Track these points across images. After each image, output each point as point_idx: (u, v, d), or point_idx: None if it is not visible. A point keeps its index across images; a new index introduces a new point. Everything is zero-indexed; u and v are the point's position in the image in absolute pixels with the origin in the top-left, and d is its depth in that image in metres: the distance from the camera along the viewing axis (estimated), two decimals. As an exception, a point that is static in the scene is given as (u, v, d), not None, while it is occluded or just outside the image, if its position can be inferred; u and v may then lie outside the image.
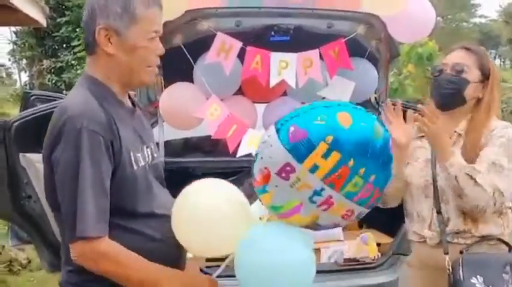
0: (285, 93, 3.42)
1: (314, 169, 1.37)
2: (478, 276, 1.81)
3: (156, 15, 1.52)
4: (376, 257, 3.02)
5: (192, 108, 3.05)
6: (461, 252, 1.87)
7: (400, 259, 2.92)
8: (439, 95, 1.96)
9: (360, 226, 3.55)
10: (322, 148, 1.36)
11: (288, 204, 1.45)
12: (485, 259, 1.86)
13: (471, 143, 1.90)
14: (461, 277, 1.81)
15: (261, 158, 1.43)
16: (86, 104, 1.44)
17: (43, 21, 7.16)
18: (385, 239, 3.23)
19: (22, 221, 3.88)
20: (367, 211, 1.51)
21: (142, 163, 1.54)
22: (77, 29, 13.08)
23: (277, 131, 1.41)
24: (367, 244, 3.05)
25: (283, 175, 1.40)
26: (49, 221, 3.75)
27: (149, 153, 1.60)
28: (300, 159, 1.37)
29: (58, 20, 12.89)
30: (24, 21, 7.15)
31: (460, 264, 1.83)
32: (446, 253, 1.88)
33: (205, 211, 1.47)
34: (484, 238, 1.89)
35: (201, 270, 2.21)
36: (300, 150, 1.37)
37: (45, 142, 1.46)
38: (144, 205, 1.51)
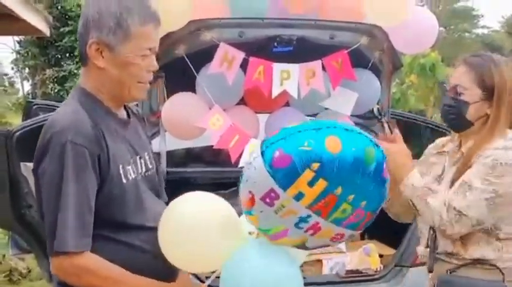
0: (287, 104, 3.41)
1: (299, 196, 1.33)
2: None
3: (151, 32, 1.49)
4: (379, 268, 2.99)
5: (195, 118, 3.04)
6: (449, 272, 1.83)
7: (403, 271, 2.90)
8: (445, 120, 1.95)
9: (362, 237, 3.53)
10: (307, 175, 1.30)
11: (275, 228, 1.41)
12: (459, 282, 1.81)
13: (466, 161, 1.83)
14: None
15: (246, 180, 1.39)
16: (74, 117, 1.43)
17: (46, 31, 7.20)
18: (388, 251, 3.20)
19: (22, 230, 3.87)
20: (359, 232, 1.48)
21: (133, 176, 1.51)
22: (80, 39, 13.15)
23: (262, 153, 1.36)
24: (369, 256, 3.03)
25: (268, 200, 1.35)
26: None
27: (143, 164, 1.58)
28: (284, 186, 1.32)
29: (61, 29, 12.94)
30: (28, 31, 7.20)
31: (438, 285, 1.83)
32: (430, 271, 1.88)
33: (191, 221, 1.44)
34: (477, 261, 1.81)
35: (198, 278, 2.18)
36: (284, 177, 1.32)
37: (35, 155, 1.46)
38: (134, 218, 1.50)
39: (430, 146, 2.09)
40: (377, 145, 1.40)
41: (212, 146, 3.10)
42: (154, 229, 1.48)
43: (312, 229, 1.38)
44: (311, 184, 1.31)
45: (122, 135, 1.52)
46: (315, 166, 1.30)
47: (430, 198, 1.79)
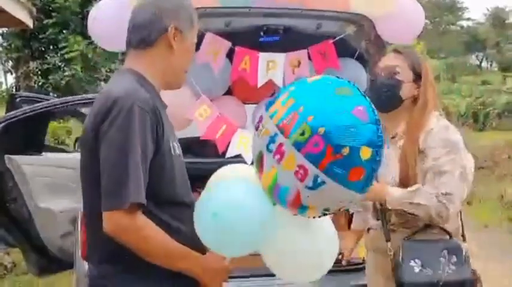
0: (274, 94, 3.41)
1: (273, 114, 1.45)
2: (416, 259, 1.98)
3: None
4: (363, 258, 3.00)
5: (182, 110, 3.02)
6: (404, 239, 2.02)
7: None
8: (377, 98, 2.02)
9: (349, 227, 3.54)
10: (284, 95, 1.47)
11: (257, 158, 1.50)
12: (424, 244, 2.02)
13: (409, 140, 2.02)
14: (401, 260, 1.98)
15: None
16: (134, 87, 1.52)
17: (30, 23, 7.10)
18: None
19: (7, 224, 3.83)
20: (327, 178, 1.39)
21: (178, 152, 1.62)
22: (64, 31, 12.98)
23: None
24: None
25: (257, 124, 1.51)
26: (35, 224, 3.72)
27: (178, 146, 1.66)
28: (267, 107, 1.50)
29: (45, 21, 12.78)
30: (11, 23, 7.08)
31: (401, 249, 1.99)
32: (388, 240, 2.04)
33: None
34: (427, 227, 2.02)
35: None
36: (271, 101, 1.51)
37: (89, 125, 1.51)
38: (180, 194, 1.59)
39: None
40: (352, 85, 1.48)
41: (199, 137, 3.09)
42: (191, 208, 1.55)
43: (277, 152, 1.42)
44: (283, 102, 1.45)
45: (166, 117, 1.62)
46: (291, 88, 1.49)
47: (416, 199, 1.96)
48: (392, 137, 2.10)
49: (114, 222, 1.42)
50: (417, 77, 2.08)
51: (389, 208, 2.00)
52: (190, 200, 1.61)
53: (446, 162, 1.97)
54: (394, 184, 2.03)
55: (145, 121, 1.46)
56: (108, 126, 1.45)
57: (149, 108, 1.48)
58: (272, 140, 1.43)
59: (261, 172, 1.51)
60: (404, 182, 2.01)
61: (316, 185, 1.40)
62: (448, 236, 2.05)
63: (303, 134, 1.38)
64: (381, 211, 2.07)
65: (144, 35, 1.63)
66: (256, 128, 1.51)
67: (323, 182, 1.40)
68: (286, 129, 1.40)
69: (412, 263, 1.97)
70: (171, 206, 1.55)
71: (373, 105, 1.46)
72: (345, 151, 1.38)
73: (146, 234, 1.45)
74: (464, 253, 2.01)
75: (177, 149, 1.62)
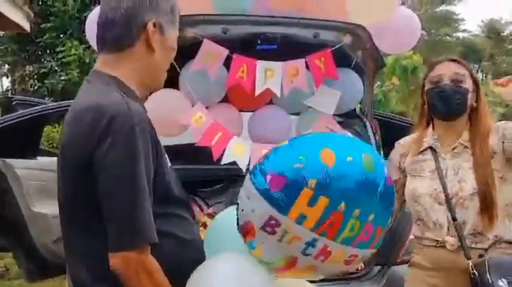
0: (270, 102, 3.41)
1: (301, 219, 1.22)
2: (502, 278, 1.86)
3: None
4: (360, 267, 3.00)
5: (177, 116, 3.02)
6: (480, 256, 1.93)
7: (384, 269, 2.92)
8: (446, 107, 2.03)
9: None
10: (306, 194, 1.21)
11: (281, 259, 1.30)
12: (508, 261, 1.92)
13: (481, 149, 1.98)
14: (489, 280, 1.85)
15: (242, 211, 1.31)
16: (126, 102, 1.34)
17: (27, 27, 7.10)
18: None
19: (0, 229, 3.80)
20: (373, 251, 1.35)
21: (170, 165, 1.49)
22: (62, 35, 12.96)
23: (252, 179, 1.28)
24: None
25: (269, 229, 1.24)
26: (29, 229, 3.69)
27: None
28: (284, 210, 1.22)
29: (42, 25, 12.76)
30: (8, 26, 7.08)
31: (487, 268, 1.89)
32: (469, 258, 1.93)
33: None
34: (496, 242, 1.95)
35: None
36: (282, 200, 1.22)
37: (77, 147, 1.34)
38: (178, 206, 1.48)
39: (398, 149, 2.20)
40: (372, 149, 1.35)
41: (194, 143, 3.09)
42: (191, 221, 1.49)
43: (321, 254, 1.26)
44: (311, 203, 1.21)
45: None
46: (312, 183, 1.20)
47: None
48: (453, 149, 2.04)
49: (125, 260, 1.29)
50: (476, 86, 2.06)
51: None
52: (191, 216, 1.52)
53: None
54: (475, 195, 1.95)
55: (147, 143, 1.32)
56: (106, 152, 1.28)
57: (148, 127, 1.35)
58: (310, 245, 1.25)
59: (284, 269, 1.33)
60: (485, 190, 1.94)
61: (359, 261, 1.37)
62: None
63: (352, 230, 1.25)
64: (456, 227, 1.96)
65: (119, 33, 1.42)
66: (268, 232, 1.26)
67: (366, 256, 1.37)
68: (330, 231, 1.24)
69: (500, 283, 1.85)
70: (170, 219, 1.44)
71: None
72: (390, 222, 1.36)
73: (153, 276, 1.32)
74: None
75: (169, 162, 1.50)
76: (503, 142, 1.98)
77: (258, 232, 1.27)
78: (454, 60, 2.08)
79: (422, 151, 2.10)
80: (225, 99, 3.34)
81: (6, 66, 14.96)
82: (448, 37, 34.25)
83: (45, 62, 13.28)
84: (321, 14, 2.98)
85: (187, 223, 1.49)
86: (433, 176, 2.03)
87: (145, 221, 1.29)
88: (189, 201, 1.56)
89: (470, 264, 1.92)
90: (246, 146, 3.04)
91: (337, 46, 2.99)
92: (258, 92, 2.94)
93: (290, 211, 1.22)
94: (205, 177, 3.54)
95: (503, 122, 2.02)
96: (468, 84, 2.03)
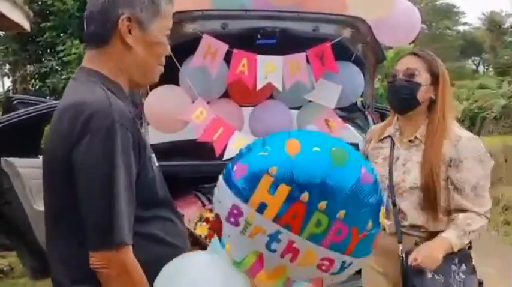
0: (271, 97, 3.41)
1: (262, 207, 1.18)
2: None
3: (171, 12, 1.45)
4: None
5: (178, 111, 3.02)
6: (416, 244, 2.00)
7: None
8: (396, 100, 2.13)
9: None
10: (266, 181, 1.17)
11: (248, 258, 1.24)
12: None
13: (433, 147, 2.03)
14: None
15: (214, 204, 1.30)
16: (108, 98, 1.30)
17: (27, 26, 7.09)
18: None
19: (3, 227, 3.81)
20: (355, 259, 1.26)
21: (157, 164, 1.46)
22: (62, 34, 12.94)
23: (223, 173, 1.27)
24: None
25: (232, 219, 1.22)
26: (32, 227, 3.70)
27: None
28: (245, 198, 1.19)
29: (42, 25, 12.75)
30: (8, 26, 7.07)
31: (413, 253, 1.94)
32: (400, 242, 2.02)
33: None
34: (438, 232, 2.00)
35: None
36: (243, 188, 1.19)
37: (57, 144, 1.32)
38: (163, 208, 1.45)
39: (366, 136, 2.35)
40: (348, 146, 1.26)
41: (196, 139, 3.09)
42: (173, 221, 1.46)
43: (287, 250, 1.20)
44: (271, 190, 1.17)
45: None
46: (273, 169, 1.17)
47: (472, 226, 1.96)
48: (410, 141, 2.11)
49: (106, 260, 1.28)
50: (434, 80, 2.09)
51: (456, 250, 1.94)
52: (175, 215, 1.49)
53: (483, 177, 2.00)
54: (415, 189, 2.03)
55: (128, 141, 1.28)
56: (84, 151, 1.25)
57: (129, 124, 1.29)
58: (273, 239, 1.20)
59: (254, 271, 1.26)
60: (426, 188, 2.01)
61: (342, 269, 1.27)
62: None
63: (318, 225, 1.18)
64: (394, 213, 2.06)
65: (97, 28, 1.37)
66: (232, 223, 1.22)
67: (350, 263, 1.27)
68: (293, 224, 1.18)
69: (427, 271, 1.92)
70: (153, 221, 1.41)
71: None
72: (369, 225, 1.24)
73: (131, 272, 1.30)
74: (473, 262, 2.00)
75: (156, 161, 1.46)
76: (449, 159, 2.01)
77: (224, 224, 1.25)
78: (415, 54, 2.13)
79: (382, 139, 2.20)
80: (225, 95, 3.34)
81: (7, 66, 14.96)
82: (448, 30, 34.15)
83: (45, 61, 13.28)
84: (320, 9, 2.96)
85: (172, 225, 1.47)
86: (384, 163, 2.13)
87: (121, 222, 1.26)
88: (171, 200, 1.51)
89: (401, 248, 2.00)
90: (248, 141, 3.04)
91: (336, 39, 2.98)
92: (259, 86, 2.94)
93: (251, 199, 1.19)
94: (208, 173, 3.54)
95: (466, 141, 2.02)
96: (422, 78, 2.07)
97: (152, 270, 1.32)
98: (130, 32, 1.37)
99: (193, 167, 3.53)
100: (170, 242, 1.43)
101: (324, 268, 1.24)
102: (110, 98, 1.31)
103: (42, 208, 3.91)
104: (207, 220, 3.21)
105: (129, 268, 1.30)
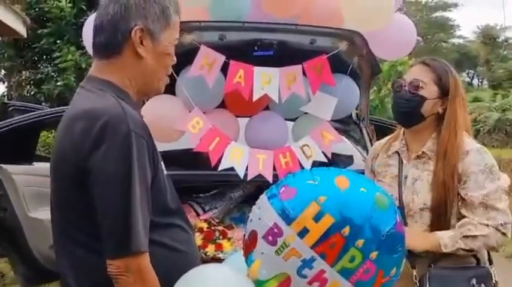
0: (267, 108, 3.42)
1: (303, 232, 1.22)
2: None
3: (178, 23, 1.49)
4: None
5: (174, 121, 3.03)
6: (429, 266, 1.91)
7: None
8: (399, 114, 2.02)
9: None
10: (313, 208, 1.22)
11: (275, 279, 1.27)
12: (451, 273, 1.89)
13: (447, 164, 1.90)
14: None
15: (251, 220, 1.32)
16: (122, 106, 1.32)
17: (23, 32, 7.10)
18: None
19: (-4, 234, 3.79)
20: None
21: (165, 172, 1.48)
22: (58, 41, 12.95)
23: (267, 193, 1.31)
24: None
25: (270, 238, 1.25)
26: (25, 234, 3.68)
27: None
28: (289, 220, 1.23)
29: (39, 31, 12.75)
30: (4, 32, 7.08)
31: (427, 279, 1.87)
32: (414, 268, 1.91)
33: None
34: (451, 253, 1.90)
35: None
36: (289, 210, 1.24)
37: (70, 152, 1.32)
38: (174, 215, 1.47)
39: (372, 151, 2.21)
40: (388, 194, 1.31)
41: (192, 149, 3.09)
42: (184, 229, 1.47)
43: (317, 278, 1.23)
44: (317, 218, 1.22)
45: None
46: (322, 199, 1.22)
47: (473, 232, 1.85)
48: (418, 156, 1.98)
49: (124, 267, 1.29)
50: (443, 93, 1.96)
51: (445, 251, 1.86)
52: (186, 223, 1.52)
53: (493, 190, 1.88)
54: (425, 210, 1.91)
55: (143, 149, 1.30)
56: (102, 158, 1.26)
57: (143, 132, 1.32)
58: (307, 265, 1.23)
59: None
60: (439, 208, 1.89)
61: None
62: (475, 261, 1.95)
63: (352, 261, 1.23)
64: None
65: (107, 40, 1.39)
66: (269, 242, 1.26)
67: None
68: (330, 254, 1.22)
69: None
70: (164, 228, 1.44)
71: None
72: (393, 272, 1.30)
73: (146, 277, 1.32)
74: (493, 281, 1.91)
75: (164, 169, 1.49)
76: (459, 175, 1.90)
77: (259, 241, 1.28)
78: (425, 64, 2.00)
79: (390, 155, 2.08)
80: (222, 105, 3.35)
81: (3, 71, 14.93)
82: (443, 43, 34.37)
83: (41, 67, 13.27)
84: (317, 22, 2.99)
85: (184, 233, 1.49)
86: (393, 182, 2.01)
87: (138, 229, 1.28)
88: (183, 208, 1.55)
89: (414, 273, 1.90)
90: (244, 152, 3.05)
91: (332, 52, 3.00)
92: (255, 97, 2.95)
93: (295, 222, 1.23)
94: (203, 183, 3.54)
95: (474, 154, 1.91)
96: (428, 91, 1.95)
97: (163, 276, 1.34)
98: (142, 43, 1.40)
99: (188, 177, 3.53)
100: (181, 249, 1.45)
101: None
102: (123, 106, 1.33)
103: (35, 215, 3.91)
104: (200, 230, 3.20)
105: (145, 275, 1.31)
